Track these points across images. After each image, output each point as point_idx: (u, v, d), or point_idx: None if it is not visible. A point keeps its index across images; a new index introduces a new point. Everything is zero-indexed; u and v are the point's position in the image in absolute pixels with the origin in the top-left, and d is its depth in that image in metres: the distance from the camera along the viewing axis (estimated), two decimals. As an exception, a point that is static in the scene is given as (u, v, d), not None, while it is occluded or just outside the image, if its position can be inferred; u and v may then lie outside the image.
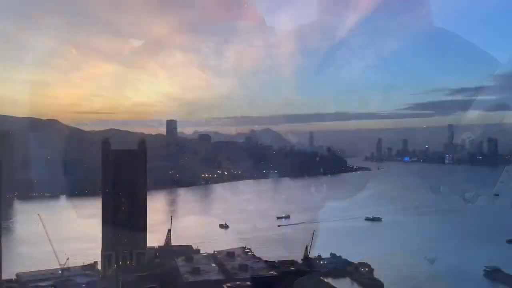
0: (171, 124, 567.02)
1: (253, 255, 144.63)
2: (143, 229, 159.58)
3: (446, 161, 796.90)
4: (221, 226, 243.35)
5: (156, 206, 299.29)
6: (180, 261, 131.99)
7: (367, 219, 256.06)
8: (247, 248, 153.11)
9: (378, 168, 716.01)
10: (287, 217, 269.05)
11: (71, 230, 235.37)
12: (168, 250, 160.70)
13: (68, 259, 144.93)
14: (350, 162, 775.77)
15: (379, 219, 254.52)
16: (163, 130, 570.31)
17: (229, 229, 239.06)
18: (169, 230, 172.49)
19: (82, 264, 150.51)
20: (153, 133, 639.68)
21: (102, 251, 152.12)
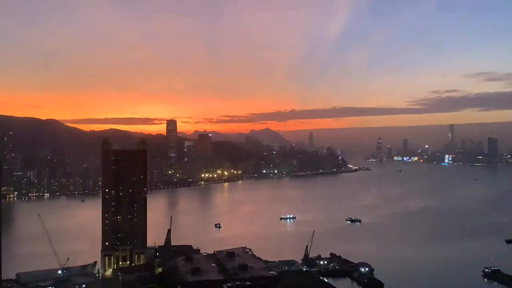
0: (171, 124, 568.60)
1: (253, 255, 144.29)
2: (143, 228, 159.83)
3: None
4: (215, 225, 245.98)
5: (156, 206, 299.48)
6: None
7: (348, 219, 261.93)
8: (247, 248, 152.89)
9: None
10: (293, 218, 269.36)
11: (71, 229, 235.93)
12: (168, 250, 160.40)
13: (68, 259, 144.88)
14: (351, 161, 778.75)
15: (359, 221, 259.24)
16: (163, 130, 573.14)
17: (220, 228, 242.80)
18: (169, 230, 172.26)
19: (82, 264, 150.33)
20: (153, 133, 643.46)
21: (102, 251, 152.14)
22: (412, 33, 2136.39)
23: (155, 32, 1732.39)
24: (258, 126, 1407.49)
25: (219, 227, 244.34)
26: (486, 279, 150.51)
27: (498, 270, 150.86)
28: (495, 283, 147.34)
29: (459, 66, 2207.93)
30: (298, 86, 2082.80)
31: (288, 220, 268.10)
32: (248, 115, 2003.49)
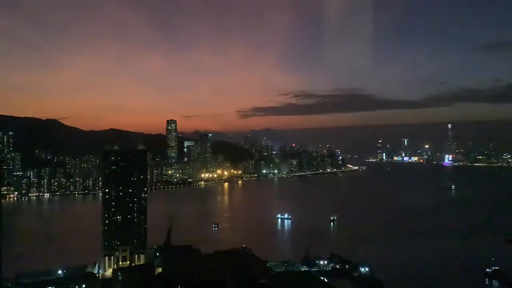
0: (171, 124, 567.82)
1: (253, 254, 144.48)
2: (143, 228, 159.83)
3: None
4: (213, 225, 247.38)
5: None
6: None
7: (278, 217, 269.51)
8: (247, 248, 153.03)
9: None
10: (289, 218, 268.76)
11: (71, 229, 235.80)
12: (168, 250, 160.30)
13: (68, 259, 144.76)
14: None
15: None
16: (163, 129, 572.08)
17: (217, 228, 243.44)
18: (169, 230, 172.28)
19: (82, 264, 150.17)
20: (153, 133, 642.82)
21: (102, 251, 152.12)
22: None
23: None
24: (256, 123, 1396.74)
25: (216, 227, 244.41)
26: (487, 279, 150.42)
27: (499, 270, 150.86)
28: (496, 282, 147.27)
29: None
30: (294, 76, 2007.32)
31: (285, 220, 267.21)
32: (243, 110, 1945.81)
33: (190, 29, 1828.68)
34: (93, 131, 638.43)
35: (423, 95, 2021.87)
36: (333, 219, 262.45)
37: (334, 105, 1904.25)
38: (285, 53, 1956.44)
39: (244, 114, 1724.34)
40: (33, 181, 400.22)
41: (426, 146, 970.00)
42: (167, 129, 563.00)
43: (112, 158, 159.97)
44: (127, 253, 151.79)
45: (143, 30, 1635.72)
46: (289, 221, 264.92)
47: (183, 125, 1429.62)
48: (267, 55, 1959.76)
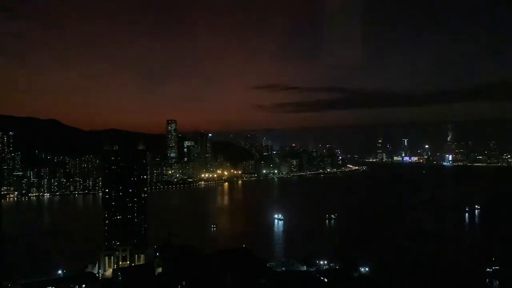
0: (171, 124, 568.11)
1: (253, 254, 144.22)
2: (143, 228, 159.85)
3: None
4: (212, 226, 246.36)
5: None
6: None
7: (275, 218, 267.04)
8: (247, 248, 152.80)
9: None
10: (282, 219, 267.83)
11: (71, 229, 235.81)
12: (168, 250, 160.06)
13: (68, 259, 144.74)
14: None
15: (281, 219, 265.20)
16: (163, 129, 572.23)
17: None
18: (169, 230, 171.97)
19: (82, 264, 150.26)
20: (153, 133, 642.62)
21: (102, 251, 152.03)
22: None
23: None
24: (256, 123, 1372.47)
25: (214, 227, 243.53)
26: (487, 279, 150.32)
27: (499, 270, 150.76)
28: (497, 282, 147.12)
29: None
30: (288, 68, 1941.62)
31: (282, 220, 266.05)
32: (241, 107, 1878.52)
33: (185, 24, 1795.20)
34: (93, 131, 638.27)
35: (425, 91, 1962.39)
36: (331, 217, 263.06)
37: (334, 102, 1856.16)
38: (283, 48, 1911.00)
39: (243, 111, 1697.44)
40: (33, 181, 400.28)
41: (426, 146, 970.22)
42: (167, 129, 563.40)
43: (112, 158, 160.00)
44: (127, 253, 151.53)
45: (132, 16, 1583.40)
46: (283, 221, 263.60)
47: (183, 124, 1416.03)
48: (266, 51, 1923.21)
